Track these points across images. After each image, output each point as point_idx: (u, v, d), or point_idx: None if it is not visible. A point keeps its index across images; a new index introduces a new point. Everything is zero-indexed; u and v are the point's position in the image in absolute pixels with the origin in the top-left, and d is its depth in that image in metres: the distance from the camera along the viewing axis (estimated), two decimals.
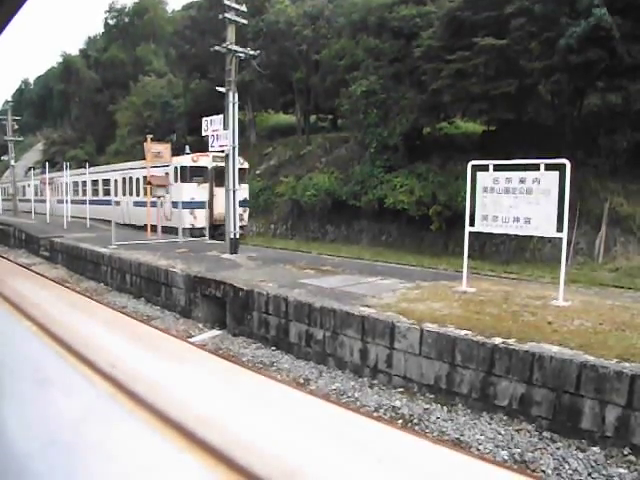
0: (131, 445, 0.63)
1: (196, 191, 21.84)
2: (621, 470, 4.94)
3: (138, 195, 25.16)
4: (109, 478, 0.57)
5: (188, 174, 22.22)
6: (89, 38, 74.55)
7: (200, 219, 21.31)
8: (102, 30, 69.33)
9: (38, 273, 15.21)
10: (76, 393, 0.82)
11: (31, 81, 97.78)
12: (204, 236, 20.19)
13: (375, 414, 6.36)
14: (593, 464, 5.07)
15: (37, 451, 0.64)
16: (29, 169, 51.59)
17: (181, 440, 0.69)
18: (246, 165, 23.70)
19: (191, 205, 21.38)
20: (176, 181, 22.14)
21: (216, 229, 21.84)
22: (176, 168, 22.32)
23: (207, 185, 22.26)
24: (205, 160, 22.28)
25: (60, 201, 33.10)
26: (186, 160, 22.56)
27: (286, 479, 0.64)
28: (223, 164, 21.37)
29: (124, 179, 27.47)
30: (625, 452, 5.16)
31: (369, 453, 0.71)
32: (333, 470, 0.66)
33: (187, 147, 24.84)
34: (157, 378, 0.92)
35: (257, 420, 0.80)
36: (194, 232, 21.04)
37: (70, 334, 1.15)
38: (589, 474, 4.93)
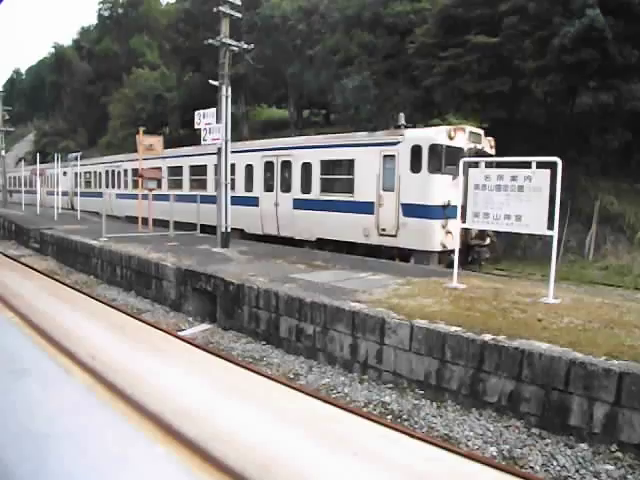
0: (104, 437, 0.62)
1: (450, 189, 12.38)
2: (608, 467, 4.97)
3: (308, 192, 15.72)
4: (78, 469, 0.57)
5: (442, 160, 12.99)
6: (82, 29, 74.14)
7: (455, 236, 12.42)
8: (95, 21, 68.88)
9: (27, 265, 15.13)
10: (53, 384, 0.80)
11: (23, 71, 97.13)
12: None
13: (364, 409, 6.36)
14: (581, 460, 5.10)
15: (8, 441, 0.63)
16: (20, 160, 51.07)
17: (157, 432, 0.67)
18: (494, 151, 14.84)
19: (444, 213, 12.74)
20: (415, 171, 12.97)
21: (469, 251, 13.65)
22: (416, 148, 13.03)
23: (459, 180, 12.93)
24: (461, 138, 13.50)
25: (124, 196, 25.30)
26: (439, 135, 13.25)
27: (260, 470, 0.62)
28: (481, 145, 14.22)
29: (268, 164, 17.35)
30: (613, 449, 5.19)
31: (345, 446, 0.69)
32: (307, 462, 0.64)
33: (401, 115, 14.73)
34: (137, 370, 0.90)
35: (236, 413, 0.79)
36: (442, 259, 13.10)
37: (52, 325, 1.12)
38: (577, 470, 4.96)
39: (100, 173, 29.64)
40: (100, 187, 28.56)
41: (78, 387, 0.80)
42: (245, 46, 14.73)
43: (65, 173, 31.98)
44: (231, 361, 7.18)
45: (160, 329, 9.11)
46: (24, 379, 0.79)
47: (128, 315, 8.88)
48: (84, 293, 11.52)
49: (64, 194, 30.33)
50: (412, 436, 4.99)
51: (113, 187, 27.22)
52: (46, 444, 0.60)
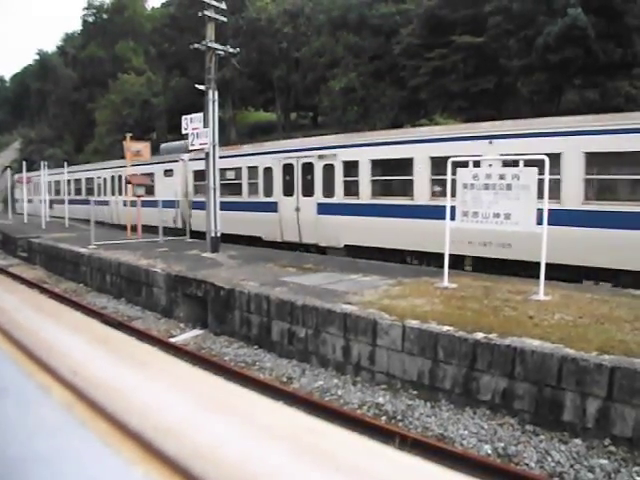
0: (81, 459, 0.59)
1: None
2: (602, 461, 4.99)
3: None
4: None
5: None
6: (66, 35, 73.63)
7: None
8: (80, 27, 68.43)
9: (14, 274, 14.95)
10: (30, 404, 0.78)
11: (7, 78, 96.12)
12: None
13: (359, 411, 6.35)
14: (575, 456, 5.12)
15: None
16: (5, 168, 50.45)
17: (137, 451, 0.65)
18: None
19: None
20: None
21: None
22: None
23: None
24: None
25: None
26: None
27: None
28: None
29: None
30: (606, 443, 5.21)
31: (329, 462, 0.68)
32: (289, 477, 0.63)
33: None
34: (119, 385, 0.88)
35: (218, 429, 0.77)
36: None
37: (33, 340, 1.10)
38: (571, 466, 4.97)
39: (255, 168, 17.04)
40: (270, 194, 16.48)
41: (56, 406, 0.77)
42: (231, 50, 14.70)
43: (169, 172, 20.93)
44: (218, 374, 7.13)
45: (149, 337, 9.04)
46: (1, 400, 0.76)
47: (114, 328, 8.83)
48: (72, 303, 11.41)
49: (169, 205, 19.03)
50: (400, 446, 4.99)
51: (290, 193, 15.73)
52: (20, 468, 0.57)
